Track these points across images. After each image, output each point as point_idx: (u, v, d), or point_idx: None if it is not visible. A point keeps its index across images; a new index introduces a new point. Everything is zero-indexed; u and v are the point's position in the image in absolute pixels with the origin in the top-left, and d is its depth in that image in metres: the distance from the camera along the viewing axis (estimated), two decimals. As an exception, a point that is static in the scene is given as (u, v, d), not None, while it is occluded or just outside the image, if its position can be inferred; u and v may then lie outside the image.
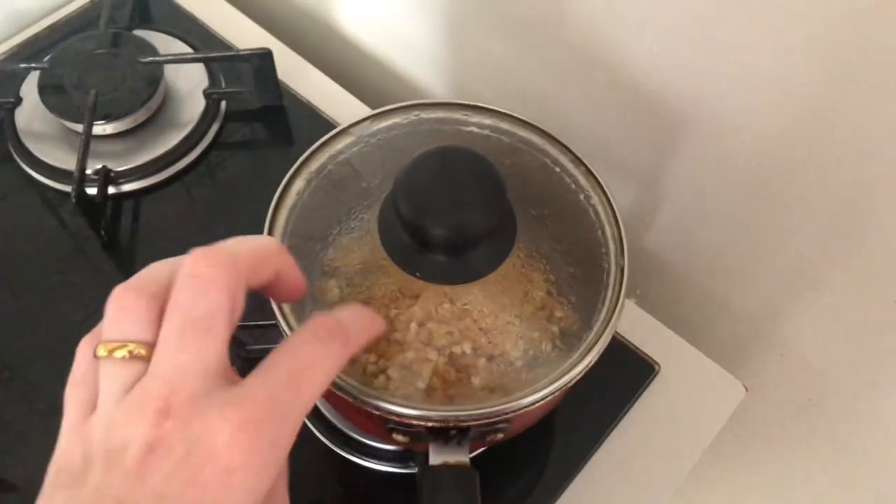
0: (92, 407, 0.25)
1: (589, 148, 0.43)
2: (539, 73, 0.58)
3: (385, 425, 0.37)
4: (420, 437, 0.36)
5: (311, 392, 0.25)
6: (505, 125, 0.43)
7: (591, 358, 0.36)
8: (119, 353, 0.25)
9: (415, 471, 0.49)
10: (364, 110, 0.44)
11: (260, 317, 0.52)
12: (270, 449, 0.23)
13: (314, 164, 0.42)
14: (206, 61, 0.66)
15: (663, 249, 0.62)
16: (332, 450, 0.50)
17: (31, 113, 0.63)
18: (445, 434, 0.35)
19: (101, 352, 0.25)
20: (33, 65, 0.63)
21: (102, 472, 0.23)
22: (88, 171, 0.58)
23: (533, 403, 0.35)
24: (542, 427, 0.51)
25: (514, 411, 0.35)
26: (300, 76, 0.69)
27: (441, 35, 0.64)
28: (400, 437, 0.37)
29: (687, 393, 0.55)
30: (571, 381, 0.36)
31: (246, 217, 0.59)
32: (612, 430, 0.53)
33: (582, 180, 0.42)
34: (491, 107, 0.43)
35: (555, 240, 0.40)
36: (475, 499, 0.33)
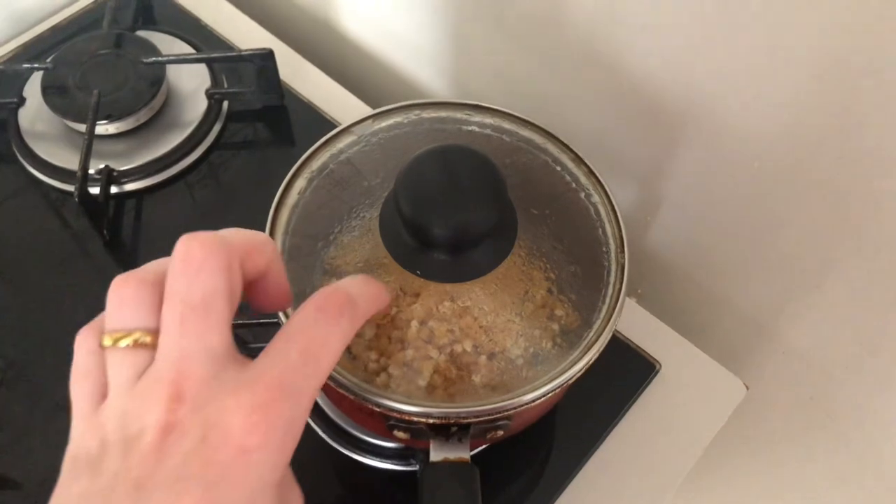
0: (101, 396, 0.25)
1: (590, 147, 0.43)
2: (540, 73, 0.58)
3: (386, 422, 0.37)
4: (421, 434, 0.36)
5: (322, 370, 0.25)
6: (506, 124, 0.43)
7: (591, 355, 0.37)
8: (124, 343, 0.25)
9: (416, 468, 0.50)
10: (365, 110, 0.44)
11: (260, 314, 0.52)
12: (286, 428, 0.23)
13: (316, 164, 0.42)
14: (209, 62, 0.66)
15: (664, 248, 0.62)
16: (334, 447, 0.50)
17: (35, 113, 0.63)
18: (446, 431, 0.36)
19: (107, 342, 0.25)
20: (37, 65, 0.63)
21: (120, 457, 0.23)
22: (91, 171, 0.59)
23: (533, 401, 0.35)
24: (543, 425, 0.51)
25: (514, 408, 0.35)
26: (302, 76, 0.69)
27: (442, 35, 0.64)
28: (401, 434, 0.37)
29: (688, 392, 0.55)
30: (571, 378, 0.36)
31: (248, 216, 0.58)
32: (613, 428, 0.53)
33: (583, 179, 0.42)
34: (492, 106, 0.44)
35: (555, 238, 0.40)
36: (476, 495, 0.34)
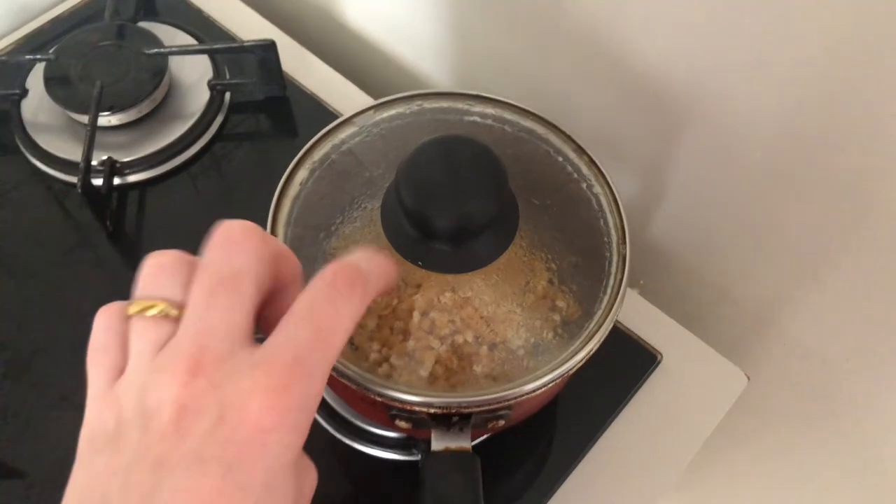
0: (118, 372, 0.25)
1: (592, 137, 0.43)
2: (542, 63, 0.58)
3: (388, 412, 0.37)
4: (422, 423, 0.36)
5: (334, 348, 0.25)
6: (507, 115, 0.43)
7: (592, 346, 0.37)
8: (151, 311, 0.25)
9: (417, 458, 0.50)
10: (367, 101, 0.44)
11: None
12: (301, 409, 0.23)
13: (317, 154, 0.42)
14: (211, 53, 0.66)
15: (666, 240, 0.62)
16: (336, 437, 0.51)
17: (37, 104, 0.63)
18: (447, 420, 0.36)
19: (134, 308, 0.25)
20: (39, 56, 0.63)
21: (139, 433, 0.23)
22: (94, 163, 0.59)
23: (534, 391, 0.36)
24: (544, 416, 0.51)
25: (515, 398, 0.35)
26: (304, 67, 0.69)
27: (444, 25, 0.64)
28: (403, 424, 0.38)
29: (689, 382, 0.55)
30: (572, 368, 0.36)
31: (250, 207, 0.59)
32: (614, 419, 0.53)
33: (584, 169, 0.42)
34: (493, 96, 0.44)
35: (557, 229, 0.40)
36: (477, 483, 0.34)
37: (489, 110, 0.44)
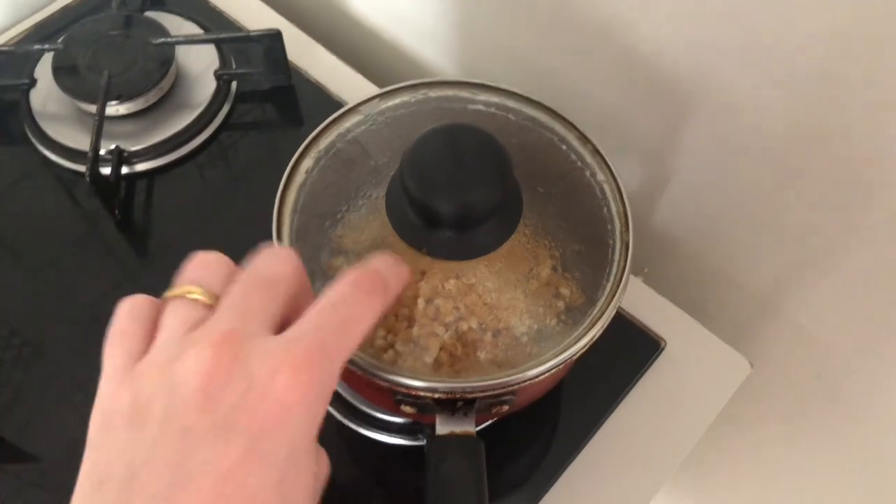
0: (137, 356, 0.26)
1: (596, 125, 0.43)
2: (546, 51, 0.58)
3: (393, 397, 0.37)
4: (427, 408, 0.37)
5: (354, 340, 0.27)
6: (511, 103, 0.44)
7: (595, 332, 0.37)
8: (192, 295, 0.27)
9: (423, 443, 0.50)
10: (372, 89, 0.44)
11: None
12: (320, 390, 0.25)
13: (323, 143, 0.42)
14: (217, 42, 0.67)
15: (670, 227, 0.62)
16: (342, 422, 0.51)
17: (46, 94, 0.64)
18: (452, 405, 0.36)
19: (174, 292, 0.27)
20: (47, 46, 0.64)
21: (164, 405, 0.24)
22: (102, 152, 0.59)
23: (537, 376, 0.36)
24: (548, 402, 0.52)
25: (518, 383, 0.36)
26: (309, 56, 0.69)
27: (448, 14, 0.64)
28: (408, 409, 0.38)
29: (692, 369, 0.55)
30: (575, 354, 0.37)
31: (257, 196, 0.59)
32: (618, 405, 0.53)
33: (588, 157, 0.42)
34: (497, 85, 0.44)
35: (560, 217, 0.41)
36: (480, 467, 0.34)
37: (493, 99, 0.44)
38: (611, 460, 0.52)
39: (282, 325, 0.27)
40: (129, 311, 0.28)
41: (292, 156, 0.41)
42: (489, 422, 0.51)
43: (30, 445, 0.50)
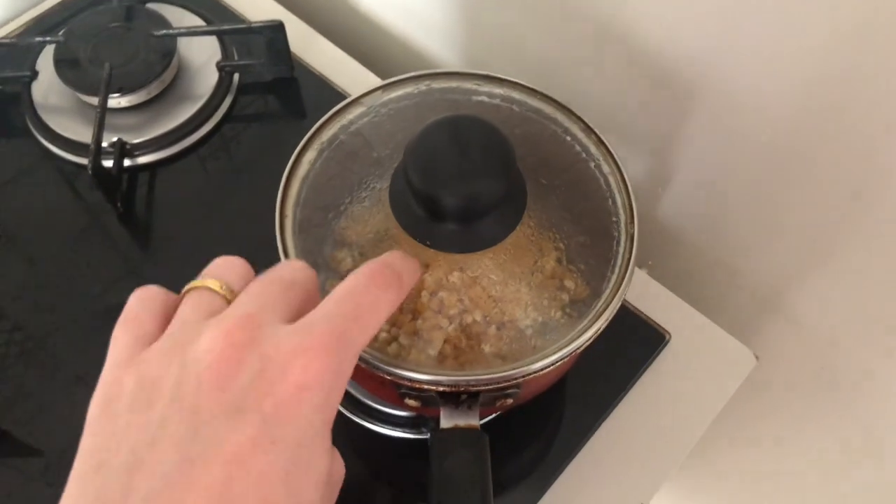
0: (145, 343, 0.26)
1: (600, 117, 0.43)
2: (550, 42, 0.58)
3: (397, 391, 0.37)
4: (431, 401, 0.37)
5: (369, 331, 0.27)
6: (515, 94, 0.43)
7: (599, 325, 0.37)
8: (213, 285, 0.27)
9: (426, 436, 0.50)
10: (375, 81, 0.44)
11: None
12: (335, 375, 0.25)
13: (326, 135, 0.42)
14: (219, 34, 0.66)
15: (675, 220, 0.62)
16: (347, 416, 0.51)
17: (48, 86, 0.63)
18: (456, 399, 0.36)
19: (195, 284, 0.28)
20: (49, 38, 0.64)
21: (174, 384, 0.24)
22: (104, 144, 0.59)
23: (542, 369, 0.36)
24: (552, 395, 0.52)
25: (522, 376, 0.35)
26: (312, 48, 0.69)
27: (452, 5, 0.63)
28: (412, 402, 0.38)
29: (697, 362, 0.55)
30: (580, 347, 0.37)
31: (259, 188, 0.59)
32: (623, 398, 0.53)
33: (593, 149, 0.42)
34: (502, 76, 0.43)
35: (565, 209, 0.40)
36: (484, 460, 0.34)
37: (497, 90, 0.43)
38: (615, 453, 0.52)
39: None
40: (140, 299, 0.28)
41: (295, 148, 0.41)
42: (493, 415, 0.51)
43: (32, 439, 0.50)
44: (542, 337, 0.38)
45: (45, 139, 0.61)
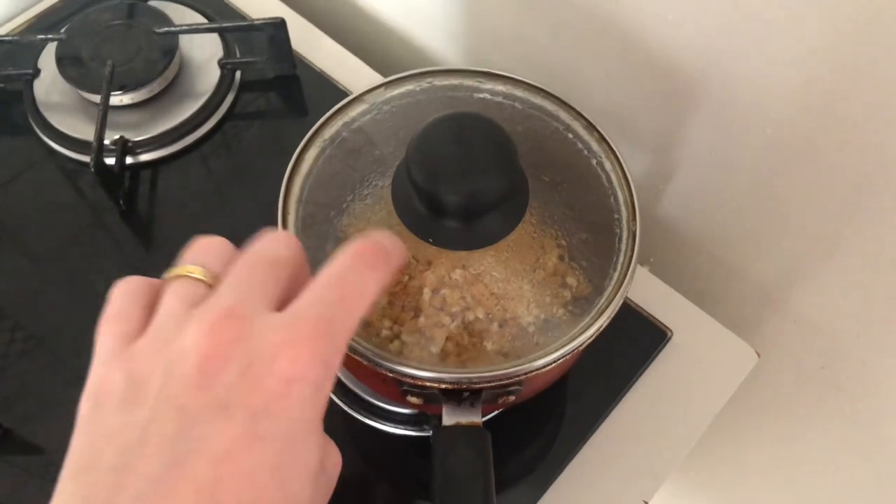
0: (131, 338, 0.26)
1: (602, 114, 0.43)
2: (552, 40, 0.58)
3: (400, 388, 0.37)
4: (433, 399, 0.37)
5: (358, 313, 0.26)
6: (518, 92, 0.43)
7: (602, 322, 0.37)
8: (193, 274, 0.27)
9: (429, 433, 0.50)
10: (377, 78, 0.44)
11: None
12: (324, 365, 0.24)
13: (328, 132, 0.42)
14: (221, 31, 0.66)
15: (677, 217, 0.62)
16: (348, 413, 0.51)
17: (50, 84, 0.63)
18: (458, 396, 0.36)
19: (176, 271, 0.27)
20: (51, 36, 0.64)
21: (160, 383, 0.23)
22: (106, 142, 0.59)
23: (544, 366, 0.36)
24: (555, 392, 0.52)
25: (525, 374, 0.36)
26: (314, 45, 0.69)
27: (454, 2, 0.63)
28: (414, 400, 0.38)
29: (699, 359, 0.55)
30: (582, 344, 0.37)
31: (261, 186, 0.59)
32: (624, 395, 0.53)
33: (594, 146, 0.42)
34: (504, 73, 0.43)
35: (567, 206, 0.40)
36: (487, 458, 0.34)
37: (499, 87, 0.43)
38: (617, 451, 0.52)
39: (282, 306, 0.26)
40: (123, 293, 0.27)
41: (297, 145, 0.41)
42: (495, 412, 0.51)
43: (34, 437, 0.50)
44: (545, 334, 0.38)
45: (48, 137, 0.61)
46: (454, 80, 0.44)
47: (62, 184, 0.61)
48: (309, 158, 0.41)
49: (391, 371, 0.35)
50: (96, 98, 0.60)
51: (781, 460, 0.75)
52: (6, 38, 0.65)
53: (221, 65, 0.65)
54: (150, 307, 0.27)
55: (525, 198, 0.38)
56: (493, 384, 0.36)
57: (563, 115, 0.42)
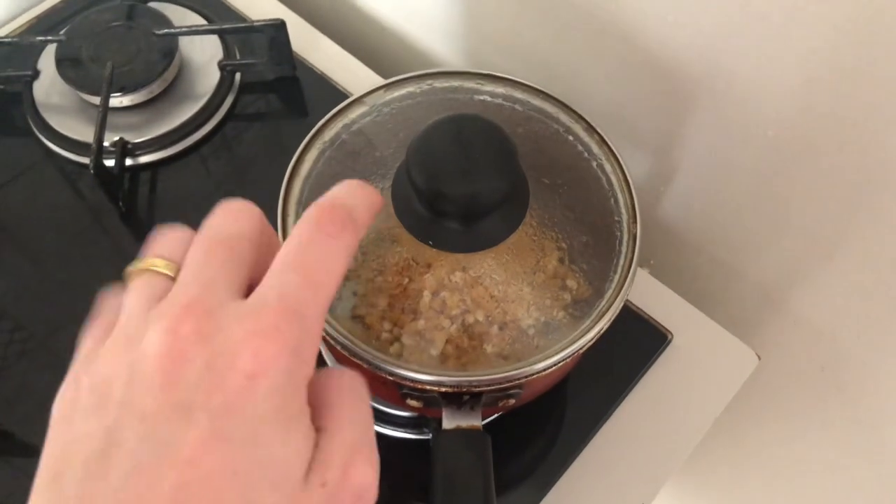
0: (103, 341, 0.25)
1: (602, 116, 0.43)
2: (552, 42, 0.58)
3: (399, 391, 0.37)
4: (433, 402, 0.37)
5: (326, 291, 0.24)
6: (518, 93, 0.43)
7: (602, 325, 0.37)
8: (152, 265, 0.25)
9: (429, 437, 0.50)
10: (377, 80, 0.44)
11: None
12: (292, 353, 0.22)
13: (328, 134, 0.42)
14: (221, 33, 0.66)
15: (677, 219, 0.62)
16: (348, 416, 0.51)
17: (49, 86, 0.63)
18: (458, 399, 0.36)
19: (135, 265, 0.26)
20: (50, 38, 0.64)
21: (123, 388, 0.22)
22: (106, 144, 0.59)
23: (544, 369, 0.36)
24: (555, 394, 0.52)
25: (525, 377, 0.35)
26: (314, 47, 0.69)
27: (455, 4, 0.63)
28: (414, 403, 0.38)
29: (699, 362, 0.55)
30: (582, 347, 0.36)
31: (261, 187, 0.59)
32: (625, 398, 0.53)
33: (595, 148, 0.42)
34: (504, 75, 0.43)
35: (567, 208, 0.40)
36: (487, 461, 0.34)
37: (499, 89, 0.43)
38: (617, 454, 0.51)
39: (252, 286, 0.25)
40: (104, 296, 0.26)
41: (297, 147, 0.41)
42: (496, 415, 0.50)
43: (33, 439, 0.50)
44: (545, 337, 0.38)
45: (47, 138, 0.61)
46: (454, 82, 0.44)
47: (62, 185, 0.61)
48: (309, 160, 0.41)
49: (391, 374, 0.35)
50: (96, 100, 0.60)
51: (782, 461, 0.75)
52: (6, 40, 0.65)
53: (221, 66, 0.65)
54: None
55: (525, 200, 0.38)
56: (493, 387, 0.36)
57: (564, 117, 0.42)
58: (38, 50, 0.65)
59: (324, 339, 0.36)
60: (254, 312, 0.23)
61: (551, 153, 0.42)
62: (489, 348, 0.37)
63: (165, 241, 0.26)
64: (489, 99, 0.43)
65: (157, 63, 0.62)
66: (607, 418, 0.52)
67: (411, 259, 0.38)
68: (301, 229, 0.25)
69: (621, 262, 0.39)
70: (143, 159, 0.61)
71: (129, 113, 0.62)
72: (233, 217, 0.26)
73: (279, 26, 0.63)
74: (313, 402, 0.24)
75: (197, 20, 0.68)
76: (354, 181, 0.27)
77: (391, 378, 0.35)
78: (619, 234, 0.39)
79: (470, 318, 0.38)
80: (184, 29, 0.64)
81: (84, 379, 0.24)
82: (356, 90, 0.43)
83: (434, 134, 0.35)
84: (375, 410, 0.51)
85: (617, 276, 0.38)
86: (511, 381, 0.36)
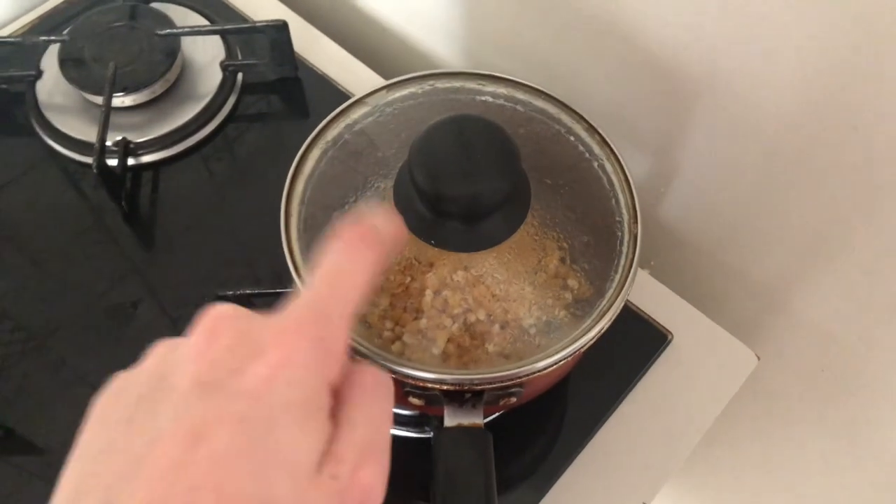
0: None
1: (603, 117, 0.43)
2: (554, 42, 0.58)
3: (401, 389, 0.37)
4: (435, 400, 0.37)
5: (350, 296, 0.26)
6: (519, 94, 0.43)
7: (602, 324, 0.37)
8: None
9: (430, 435, 0.50)
10: (379, 81, 0.44)
11: (277, 284, 0.53)
12: (313, 346, 0.24)
13: (330, 134, 0.42)
14: (223, 33, 0.66)
15: (677, 220, 0.62)
16: (350, 415, 0.51)
17: (52, 86, 0.63)
18: (460, 397, 0.36)
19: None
20: (53, 38, 0.64)
21: (163, 364, 0.24)
22: (108, 143, 0.59)
23: (545, 368, 0.36)
24: (556, 394, 0.52)
25: (526, 375, 0.36)
26: (316, 48, 0.69)
27: (456, 5, 0.63)
28: (416, 401, 0.38)
29: (699, 362, 0.55)
30: (583, 346, 0.37)
31: (263, 188, 0.59)
32: (625, 397, 0.53)
33: (596, 149, 0.42)
34: (505, 76, 0.44)
35: (568, 208, 0.41)
36: (488, 459, 0.34)
37: (501, 90, 0.44)
38: (618, 453, 0.52)
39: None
40: None
41: (298, 147, 0.41)
42: (497, 413, 0.51)
43: (35, 438, 0.50)
44: (546, 336, 0.38)
45: (50, 138, 0.61)
46: (456, 83, 0.44)
47: (64, 185, 0.61)
48: (311, 160, 0.41)
49: (393, 372, 0.35)
50: (98, 99, 0.60)
51: (782, 462, 0.75)
52: (9, 40, 0.65)
53: (223, 67, 0.65)
54: None
55: (527, 200, 0.38)
56: (494, 385, 0.36)
57: (565, 117, 0.43)
58: (41, 50, 0.65)
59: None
60: (284, 314, 0.24)
61: (553, 154, 0.42)
62: (491, 347, 0.38)
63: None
64: (491, 99, 0.43)
65: (159, 63, 0.62)
66: (608, 418, 0.53)
67: (413, 258, 0.38)
68: (331, 246, 0.27)
69: (622, 262, 0.39)
70: (146, 159, 0.61)
71: (131, 113, 0.62)
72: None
73: (281, 27, 0.63)
74: (337, 395, 0.25)
75: (199, 21, 0.68)
76: (384, 209, 0.30)
77: (393, 376, 0.36)
78: (619, 234, 0.40)
79: (472, 317, 0.38)
80: (186, 29, 0.65)
81: (122, 386, 0.25)
82: (357, 91, 0.44)
83: (436, 134, 0.35)
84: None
85: (618, 276, 0.38)
86: (512, 380, 0.36)
